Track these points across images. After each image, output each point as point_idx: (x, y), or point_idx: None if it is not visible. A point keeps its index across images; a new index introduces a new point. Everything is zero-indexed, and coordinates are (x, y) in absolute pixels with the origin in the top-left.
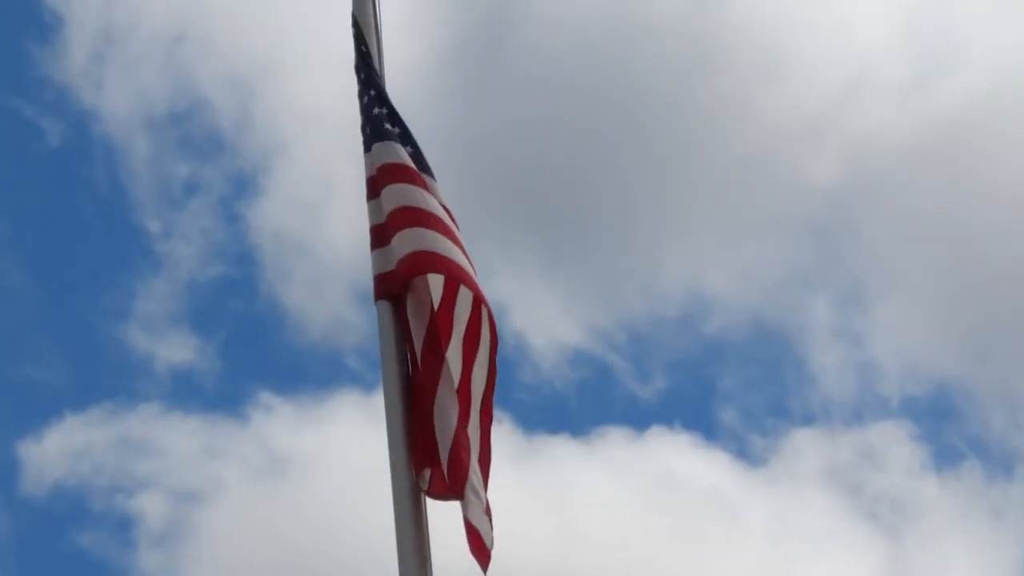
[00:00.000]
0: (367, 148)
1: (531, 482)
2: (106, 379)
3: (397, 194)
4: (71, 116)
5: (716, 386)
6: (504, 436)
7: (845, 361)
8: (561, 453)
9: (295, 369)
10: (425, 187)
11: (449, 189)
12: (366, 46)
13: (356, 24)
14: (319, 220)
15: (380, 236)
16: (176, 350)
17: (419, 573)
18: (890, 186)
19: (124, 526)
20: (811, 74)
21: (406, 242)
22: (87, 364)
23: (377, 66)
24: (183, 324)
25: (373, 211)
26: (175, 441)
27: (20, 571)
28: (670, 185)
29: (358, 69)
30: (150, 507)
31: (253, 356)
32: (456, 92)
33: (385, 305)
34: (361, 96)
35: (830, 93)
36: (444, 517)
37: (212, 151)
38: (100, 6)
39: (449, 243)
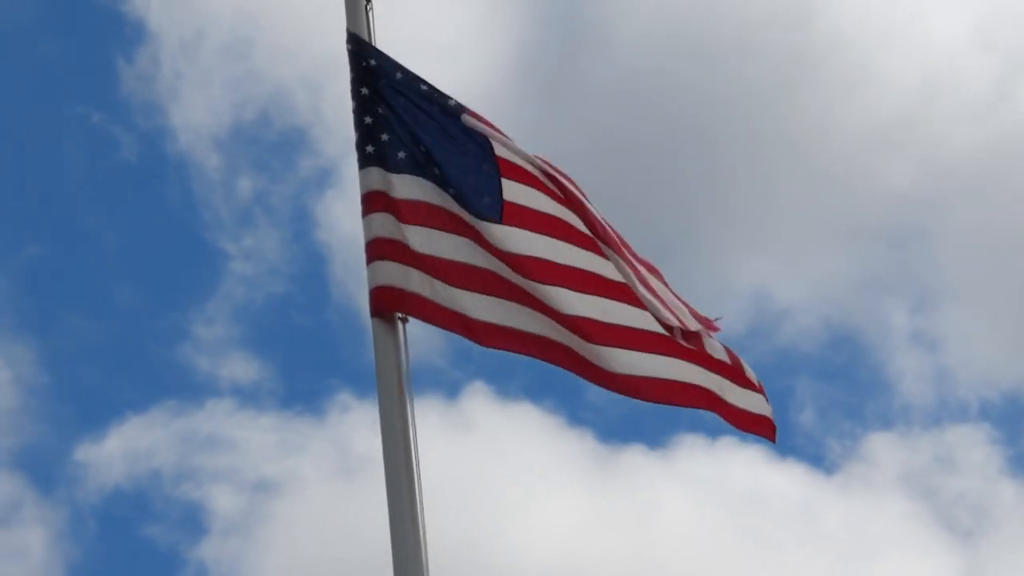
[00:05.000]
0: (370, 165)
1: (607, 494)
2: (180, 385)
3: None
4: (145, 129)
5: (789, 395)
6: (584, 448)
7: (920, 367)
8: (637, 465)
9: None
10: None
11: None
12: (367, 59)
13: (355, 40)
14: None
15: (375, 252)
16: (250, 354)
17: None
18: (965, 194)
19: (194, 517)
20: (888, 84)
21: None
22: (158, 375)
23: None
24: (256, 329)
25: (375, 225)
26: (249, 436)
27: (90, 563)
28: (742, 198)
29: (359, 83)
30: (222, 499)
31: (329, 360)
32: (530, 106)
33: (381, 320)
34: (361, 113)
35: (906, 103)
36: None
37: (284, 159)
38: (178, 17)
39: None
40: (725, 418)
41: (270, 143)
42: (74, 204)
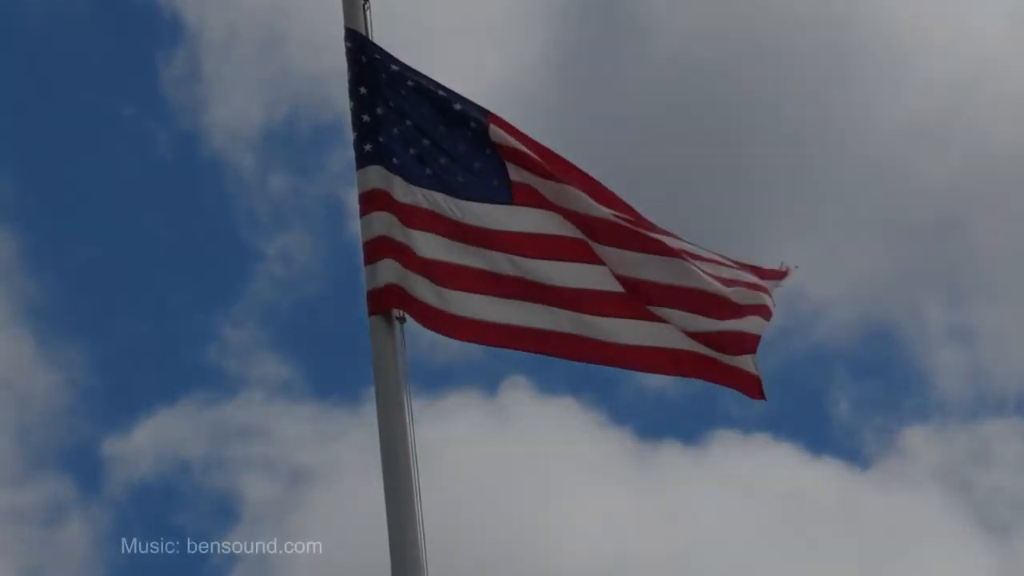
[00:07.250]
0: (368, 164)
1: (644, 492)
2: (213, 381)
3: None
4: (180, 127)
5: (824, 390)
6: (623, 445)
7: (956, 361)
8: (673, 462)
9: (412, 367)
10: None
11: None
12: (367, 56)
13: (354, 36)
14: None
15: (374, 251)
16: (283, 352)
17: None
18: (1003, 189)
19: (226, 505)
20: (927, 80)
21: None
22: (195, 374)
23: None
24: (289, 326)
25: (375, 224)
26: (284, 426)
27: (116, 553)
28: (778, 193)
29: (359, 81)
30: (255, 488)
31: (364, 353)
32: (562, 100)
33: (379, 320)
34: (359, 111)
35: (945, 98)
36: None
37: (319, 155)
38: (211, 12)
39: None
40: (712, 379)
41: (304, 140)
42: (116, 205)
